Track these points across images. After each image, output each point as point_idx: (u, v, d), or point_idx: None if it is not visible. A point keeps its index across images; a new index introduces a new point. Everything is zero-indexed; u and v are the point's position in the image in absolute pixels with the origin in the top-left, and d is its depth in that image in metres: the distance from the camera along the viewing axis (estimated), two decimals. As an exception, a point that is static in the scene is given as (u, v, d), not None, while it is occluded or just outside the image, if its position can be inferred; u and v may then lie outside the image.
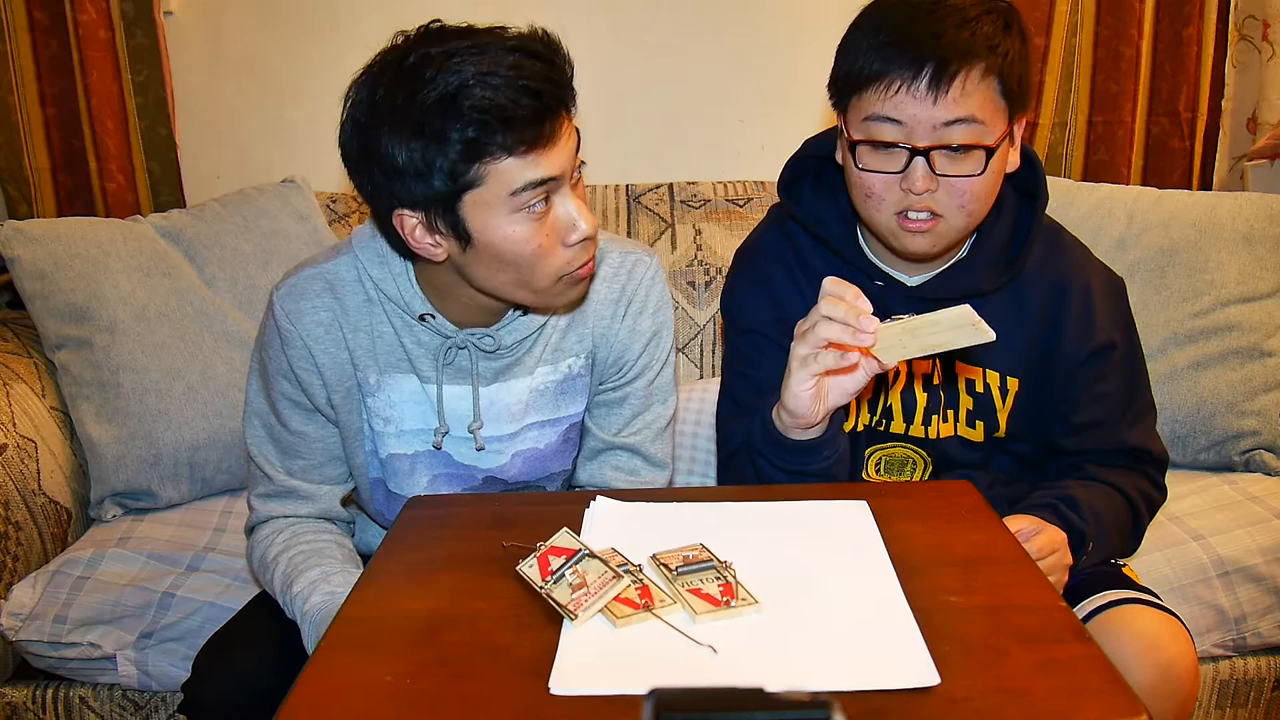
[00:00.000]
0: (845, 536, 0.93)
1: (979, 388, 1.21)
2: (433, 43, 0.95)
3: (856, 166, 1.11)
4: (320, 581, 1.10)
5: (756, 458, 1.13)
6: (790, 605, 0.82)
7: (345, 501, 1.26)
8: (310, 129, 2.07)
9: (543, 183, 0.97)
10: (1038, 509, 1.14)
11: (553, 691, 0.72)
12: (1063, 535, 1.10)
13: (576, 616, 0.80)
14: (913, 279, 1.20)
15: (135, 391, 1.64)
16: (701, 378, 1.90)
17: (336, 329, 1.13)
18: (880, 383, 1.23)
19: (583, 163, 1.04)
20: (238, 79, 2.07)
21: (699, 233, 1.94)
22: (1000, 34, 1.06)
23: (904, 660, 0.74)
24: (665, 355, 1.23)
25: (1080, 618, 1.10)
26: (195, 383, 1.67)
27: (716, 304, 1.90)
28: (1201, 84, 2.01)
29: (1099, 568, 1.20)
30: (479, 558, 0.91)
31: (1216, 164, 2.09)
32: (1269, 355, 1.69)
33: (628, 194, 1.99)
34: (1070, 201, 1.80)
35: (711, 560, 0.87)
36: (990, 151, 1.07)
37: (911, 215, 1.10)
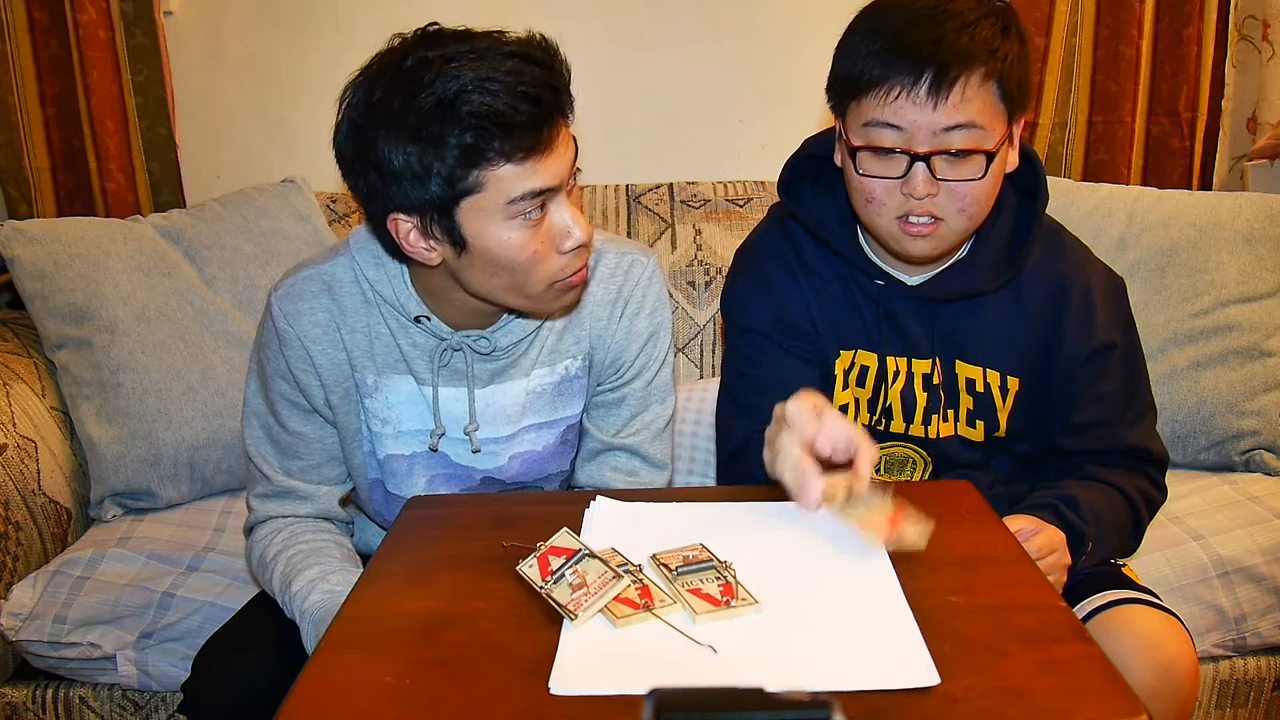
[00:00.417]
0: (845, 536, 0.93)
1: (979, 387, 1.21)
2: (431, 46, 0.95)
3: (857, 172, 1.11)
4: (319, 580, 1.10)
5: (766, 475, 1.12)
6: (790, 605, 0.82)
7: (344, 502, 1.26)
8: (310, 129, 2.07)
9: (540, 193, 0.97)
10: (1037, 509, 1.14)
11: (553, 691, 0.72)
12: (1062, 535, 1.11)
13: (576, 616, 0.80)
14: (913, 278, 1.20)
15: (135, 391, 1.64)
16: (701, 378, 1.90)
17: (334, 330, 1.13)
18: (880, 382, 1.23)
19: (579, 170, 1.04)
20: (238, 79, 2.07)
21: (699, 233, 1.94)
22: (999, 37, 1.06)
23: (904, 660, 0.74)
24: (663, 356, 1.23)
25: (1080, 618, 1.10)
26: (195, 383, 1.67)
27: (716, 304, 1.90)
28: (1201, 84, 2.01)
29: (1099, 568, 1.20)
30: (479, 558, 0.91)
31: (1216, 164, 2.09)
32: (1269, 355, 1.69)
33: (628, 194, 1.99)
34: (1070, 201, 1.80)
35: (711, 560, 0.87)
36: (990, 156, 1.07)
37: (913, 219, 1.10)
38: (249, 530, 1.21)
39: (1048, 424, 1.22)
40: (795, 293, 1.24)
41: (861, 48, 1.08)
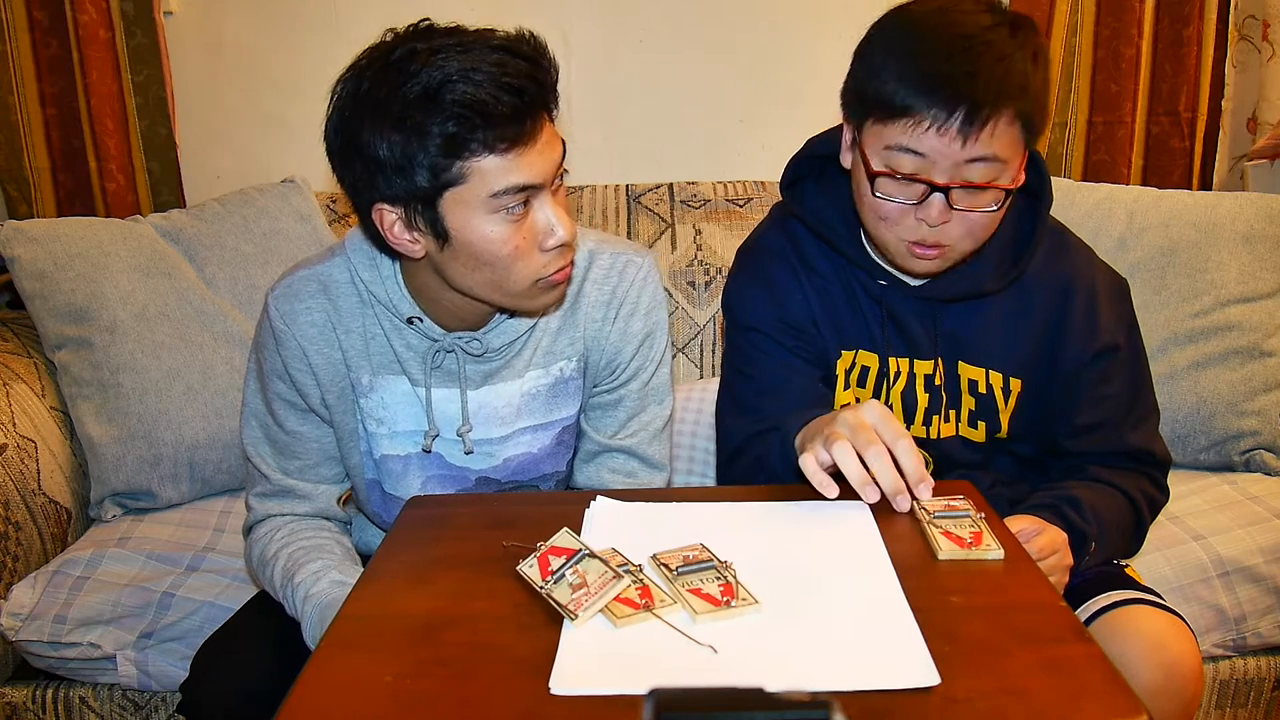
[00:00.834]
0: (845, 536, 0.93)
1: (981, 388, 1.21)
2: (419, 40, 0.96)
3: (874, 193, 1.09)
4: (323, 573, 1.10)
5: (766, 475, 1.12)
6: (790, 605, 0.82)
7: (344, 502, 1.26)
8: (310, 129, 2.04)
9: (523, 188, 0.97)
10: (1039, 509, 1.14)
11: (553, 691, 0.72)
12: (1064, 536, 1.10)
13: (576, 616, 0.80)
14: (915, 279, 1.20)
15: (135, 391, 1.64)
16: (701, 378, 1.90)
17: (329, 330, 1.13)
18: (881, 381, 1.23)
19: (565, 171, 1.04)
20: (238, 79, 2.07)
21: (699, 233, 1.94)
22: (1030, 71, 1.04)
23: (904, 660, 0.74)
24: (659, 356, 1.23)
25: (1085, 618, 1.10)
26: (195, 383, 1.67)
27: (716, 304, 1.90)
28: (1201, 84, 2.02)
29: (1102, 568, 1.20)
30: (479, 558, 0.91)
31: (1216, 164, 2.09)
32: (1269, 355, 1.69)
33: (628, 194, 1.99)
34: (1070, 201, 1.80)
35: (711, 560, 0.87)
36: (1009, 192, 1.07)
37: (923, 243, 1.10)
38: (248, 530, 1.22)
39: (1050, 425, 1.22)
40: (797, 293, 1.24)
41: (892, 69, 1.04)
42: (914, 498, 0.96)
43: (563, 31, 2.04)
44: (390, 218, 1.00)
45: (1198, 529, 1.50)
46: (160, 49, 1.95)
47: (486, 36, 0.97)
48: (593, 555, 0.86)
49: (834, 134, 1.21)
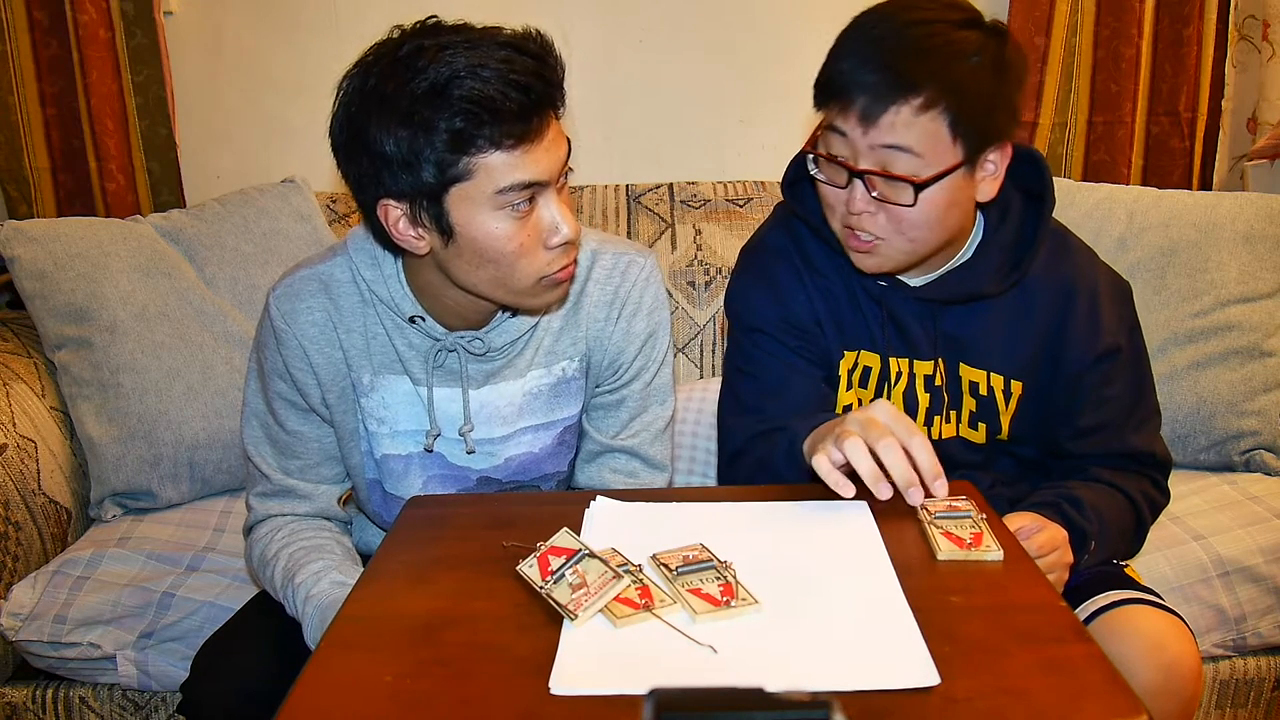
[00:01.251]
0: (845, 536, 0.93)
1: (982, 390, 1.21)
2: (427, 36, 0.96)
3: (810, 172, 1.14)
4: (325, 573, 1.10)
5: (769, 476, 1.12)
6: (790, 605, 0.82)
7: (344, 502, 1.26)
8: (310, 129, 2.05)
9: (529, 185, 0.97)
10: (1040, 507, 1.14)
11: (553, 691, 0.72)
12: (1064, 533, 1.10)
13: (576, 616, 0.80)
14: (915, 280, 1.20)
15: (135, 391, 1.64)
16: (701, 378, 1.90)
17: (330, 329, 1.13)
18: (883, 383, 1.23)
19: (570, 170, 1.04)
20: (238, 79, 2.07)
21: (699, 233, 1.94)
22: (972, 71, 1.04)
23: (904, 660, 0.74)
24: (661, 357, 1.23)
25: (1084, 618, 1.10)
26: (195, 383, 1.67)
27: (716, 304, 1.90)
28: (1201, 84, 2.02)
29: (1102, 568, 1.20)
30: (479, 558, 0.91)
31: (1216, 164, 2.09)
32: (1269, 355, 1.69)
33: (628, 194, 1.99)
34: (1070, 201, 1.80)
35: (711, 560, 0.87)
36: (919, 186, 1.06)
37: (856, 232, 1.12)
38: (248, 530, 1.22)
39: (1051, 427, 1.22)
40: (800, 293, 1.24)
41: (832, 54, 1.10)
42: (926, 493, 0.97)
43: (563, 31, 2.04)
44: (395, 214, 1.00)
45: (1198, 529, 1.50)
46: (160, 49, 1.94)
47: (494, 34, 0.97)
48: (593, 555, 0.86)
49: None
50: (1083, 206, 1.80)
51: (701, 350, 1.91)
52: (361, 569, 1.12)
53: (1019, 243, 1.19)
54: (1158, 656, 1.04)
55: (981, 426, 1.23)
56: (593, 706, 0.70)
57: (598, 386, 1.22)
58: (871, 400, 1.24)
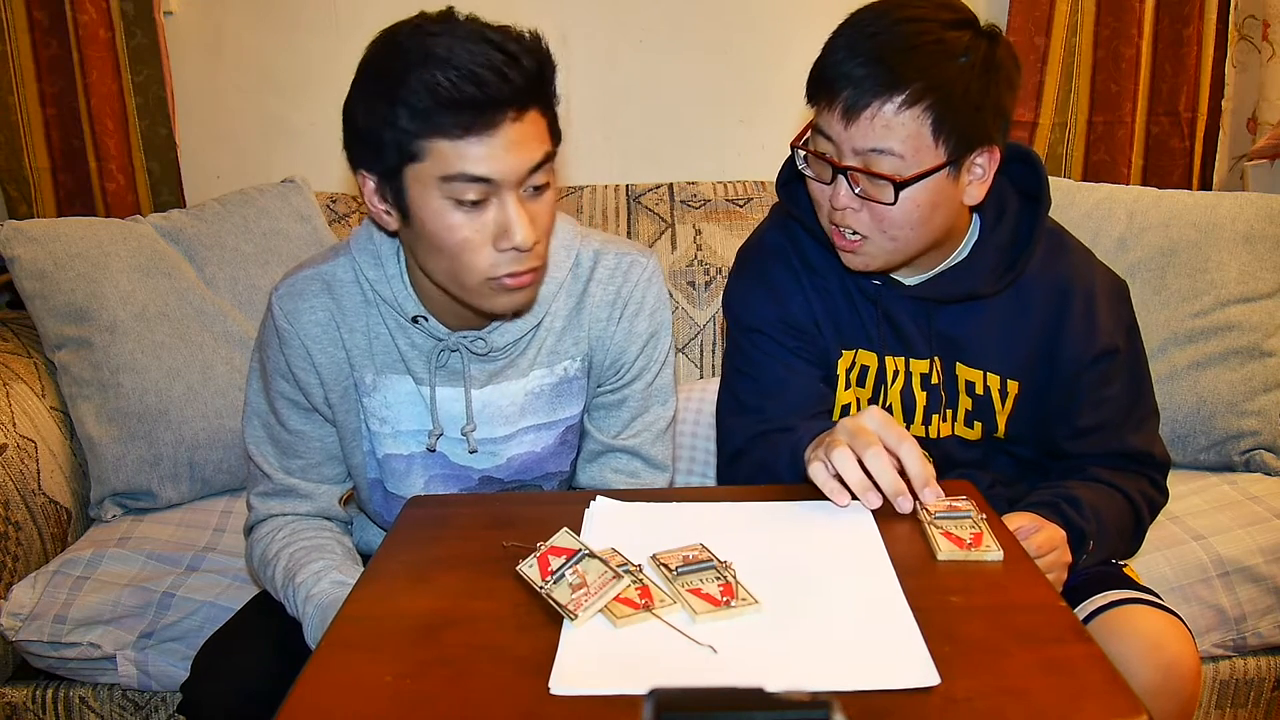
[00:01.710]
0: (845, 536, 0.93)
1: (979, 390, 1.21)
2: (430, 22, 0.98)
3: (799, 167, 1.14)
4: (325, 572, 1.10)
5: (770, 478, 1.12)
6: (790, 605, 0.82)
7: (345, 501, 1.26)
8: (310, 129, 2.07)
9: (477, 180, 0.97)
10: (1038, 507, 1.14)
11: (553, 691, 0.72)
12: (1062, 533, 1.10)
13: (576, 616, 0.80)
14: (910, 279, 1.20)
15: (135, 391, 1.64)
16: (701, 378, 1.90)
17: (333, 329, 1.13)
18: (880, 382, 1.23)
19: (546, 183, 1.02)
20: (238, 79, 2.07)
21: (699, 233, 1.94)
22: (960, 72, 1.04)
23: (904, 660, 0.74)
24: (663, 357, 1.23)
25: (1082, 618, 1.10)
26: (195, 383, 1.67)
27: (716, 304, 1.90)
28: (1201, 84, 2.02)
29: (1100, 568, 1.20)
30: (479, 558, 0.91)
31: (1216, 164, 2.09)
32: (1269, 355, 1.69)
33: (628, 194, 1.99)
34: (1070, 201, 1.80)
35: (711, 560, 0.87)
36: (899, 185, 1.06)
37: (841, 229, 1.12)
38: (249, 529, 1.22)
39: (1048, 427, 1.22)
40: (798, 293, 1.24)
41: (825, 49, 1.10)
42: (917, 499, 0.97)
43: (563, 31, 2.04)
44: (369, 185, 1.02)
45: (1198, 529, 1.50)
46: (160, 49, 1.94)
47: (483, 28, 0.98)
48: (592, 555, 0.86)
49: None
50: (1083, 206, 1.80)
51: (701, 350, 1.91)
52: (362, 569, 1.12)
53: (1015, 243, 1.19)
54: (1156, 656, 1.04)
55: (977, 425, 1.23)
56: (593, 706, 0.70)
57: (599, 386, 1.22)
58: (869, 400, 1.24)
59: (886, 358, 1.22)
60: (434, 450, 1.17)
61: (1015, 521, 1.10)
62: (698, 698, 0.48)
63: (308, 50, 2.04)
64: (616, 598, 0.82)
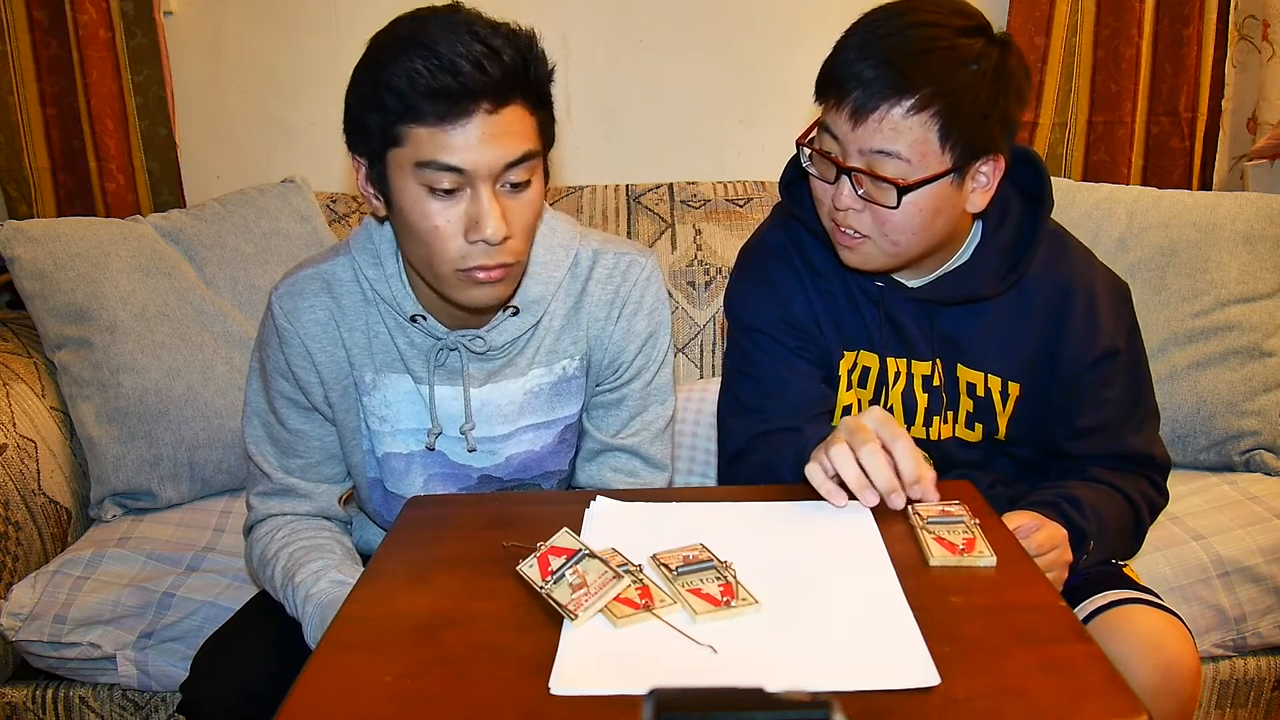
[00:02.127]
0: (845, 536, 0.93)
1: (980, 391, 1.21)
2: (432, 12, 0.99)
3: (803, 164, 1.15)
4: (325, 571, 1.10)
5: (771, 478, 1.12)
6: (790, 605, 0.82)
7: (344, 501, 1.26)
8: (310, 129, 2.07)
9: (448, 168, 0.97)
10: (1039, 506, 1.14)
11: (553, 691, 0.72)
12: (1063, 532, 1.10)
13: (576, 616, 0.80)
14: (912, 281, 1.20)
15: (135, 391, 1.64)
16: (701, 377, 1.90)
17: (333, 328, 1.13)
18: (881, 384, 1.23)
19: (527, 181, 1.02)
20: (238, 79, 2.07)
21: (699, 233, 1.94)
22: (955, 74, 1.03)
23: (904, 660, 0.74)
24: (662, 356, 1.23)
25: (1082, 617, 1.10)
26: (195, 383, 1.67)
27: (716, 304, 1.90)
28: (1201, 84, 2.02)
29: (1100, 568, 1.20)
30: (479, 558, 0.91)
31: (1216, 164, 2.09)
32: (1269, 355, 1.69)
33: (628, 194, 1.99)
34: (1070, 201, 1.80)
35: (711, 560, 0.87)
36: (902, 190, 1.06)
37: (842, 227, 1.13)
38: (248, 529, 1.22)
39: (1048, 428, 1.22)
40: (800, 293, 1.24)
41: (836, 49, 1.10)
42: (911, 501, 0.97)
43: (563, 31, 2.04)
44: (361, 169, 1.04)
45: (1198, 529, 1.50)
46: (160, 49, 1.94)
47: (475, 21, 0.98)
48: (593, 555, 0.86)
49: None
50: (1083, 206, 1.80)
51: (701, 350, 1.91)
52: (361, 568, 1.12)
53: (1017, 244, 1.19)
54: (1156, 656, 1.04)
55: (978, 427, 1.23)
56: (593, 706, 0.70)
57: (598, 385, 1.23)
58: (870, 402, 1.24)
59: (888, 359, 1.22)
60: (433, 449, 1.17)
61: (1016, 520, 1.10)
62: (698, 698, 0.48)
63: (308, 50, 2.04)
64: (616, 598, 0.82)
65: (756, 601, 0.82)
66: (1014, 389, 1.20)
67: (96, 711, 1.45)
